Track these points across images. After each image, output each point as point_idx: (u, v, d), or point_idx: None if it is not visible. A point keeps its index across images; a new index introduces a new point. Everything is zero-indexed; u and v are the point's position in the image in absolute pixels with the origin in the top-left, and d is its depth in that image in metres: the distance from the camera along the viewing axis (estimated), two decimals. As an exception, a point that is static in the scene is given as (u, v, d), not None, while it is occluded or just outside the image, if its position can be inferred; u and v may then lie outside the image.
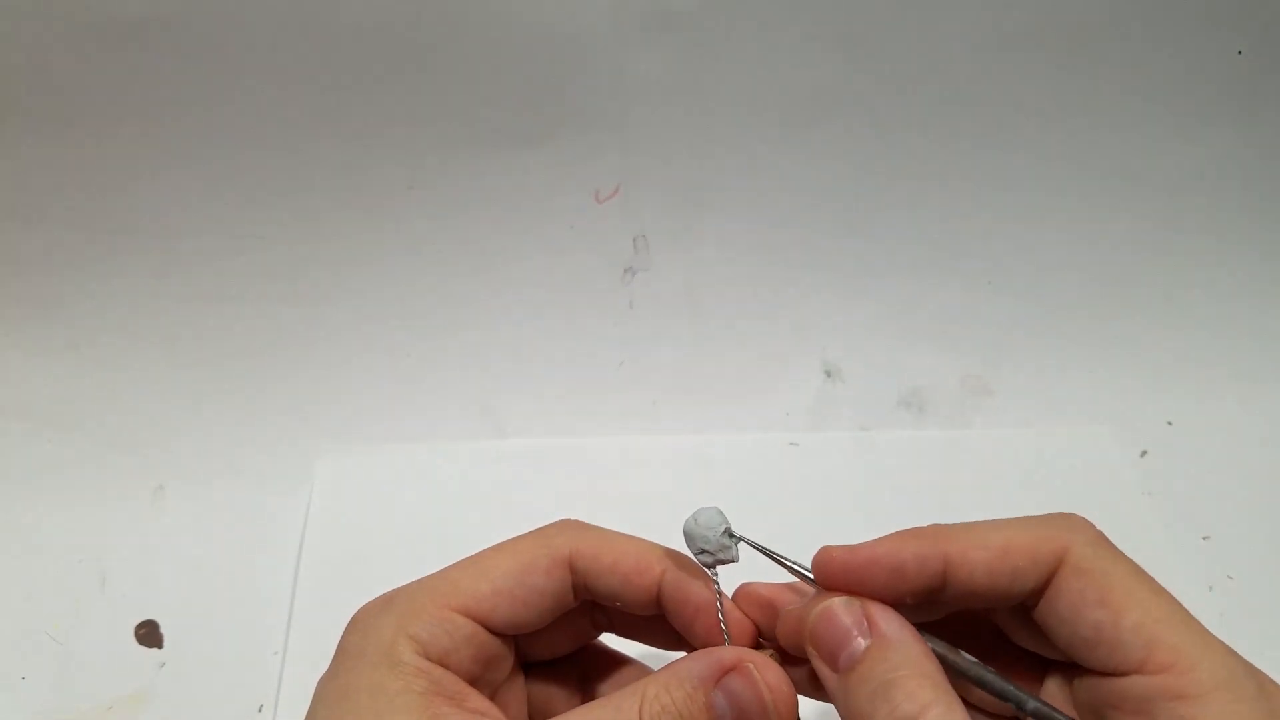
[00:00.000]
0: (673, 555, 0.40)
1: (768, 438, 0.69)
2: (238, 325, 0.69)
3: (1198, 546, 0.63)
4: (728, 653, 0.36)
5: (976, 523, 0.38)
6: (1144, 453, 0.70)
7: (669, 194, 0.69)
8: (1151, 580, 0.36)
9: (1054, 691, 0.39)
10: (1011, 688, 0.36)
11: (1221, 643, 0.34)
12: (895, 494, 0.66)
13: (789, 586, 0.40)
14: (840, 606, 0.36)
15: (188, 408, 0.68)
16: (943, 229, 0.71)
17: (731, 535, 0.38)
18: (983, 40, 0.65)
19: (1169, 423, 0.71)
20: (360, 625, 0.38)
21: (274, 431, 0.68)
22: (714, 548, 0.38)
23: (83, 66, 0.61)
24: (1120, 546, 0.37)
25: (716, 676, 0.35)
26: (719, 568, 0.39)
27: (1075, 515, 0.38)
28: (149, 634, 0.59)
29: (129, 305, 0.68)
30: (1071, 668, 0.37)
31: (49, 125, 0.62)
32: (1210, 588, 0.61)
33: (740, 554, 0.39)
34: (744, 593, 0.40)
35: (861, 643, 0.35)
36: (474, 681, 0.38)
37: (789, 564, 0.38)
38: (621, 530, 0.41)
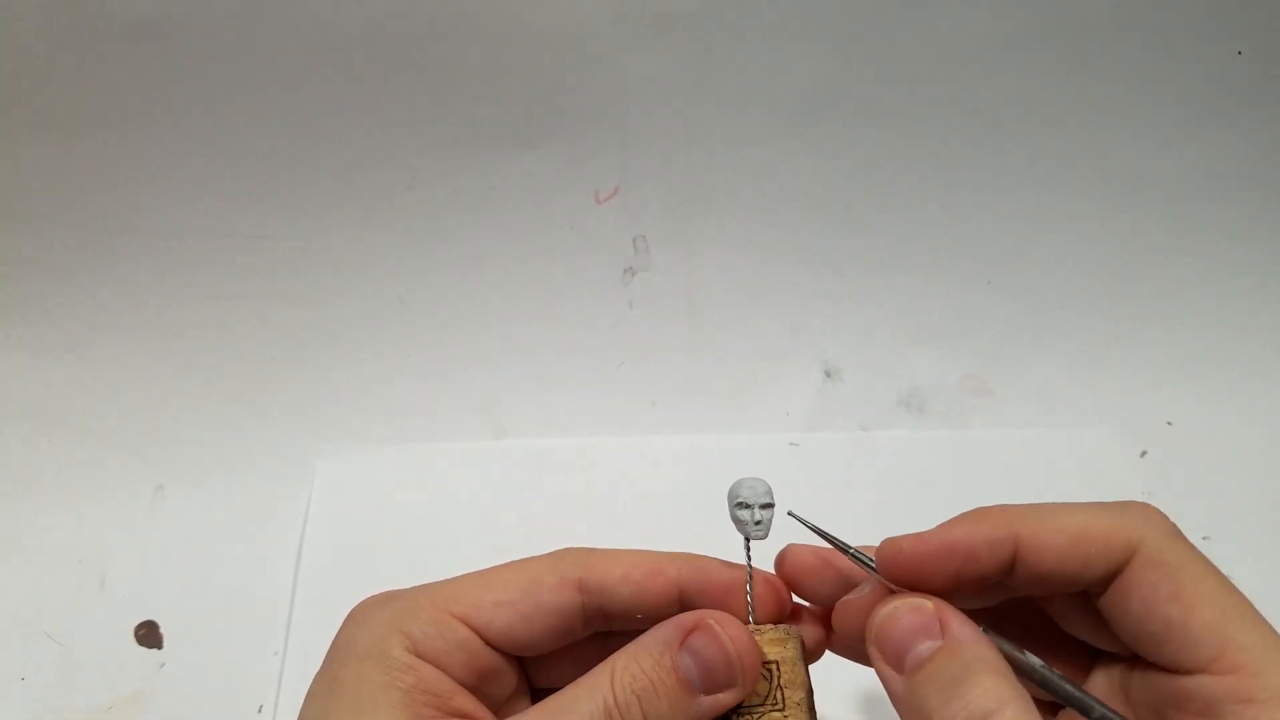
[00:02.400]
0: (682, 555, 0.40)
1: (768, 438, 0.69)
2: (238, 325, 0.69)
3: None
4: (688, 616, 0.36)
5: (1046, 505, 0.37)
6: (1144, 453, 0.70)
7: (669, 194, 0.69)
8: (1224, 578, 0.35)
9: (1104, 683, 0.38)
10: (1079, 692, 0.35)
11: None
12: (895, 494, 0.66)
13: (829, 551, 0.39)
14: (908, 609, 0.35)
15: (188, 408, 0.68)
16: (942, 229, 0.71)
17: (789, 514, 0.39)
18: (983, 40, 0.65)
19: (1169, 423, 0.71)
20: (357, 619, 0.38)
21: (274, 431, 0.68)
22: (755, 507, 0.39)
23: (83, 66, 0.61)
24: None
25: (681, 639, 0.36)
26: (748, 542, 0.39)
27: (1149, 505, 0.37)
28: (149, 634, 0.59)
29: (129, 305, 0.68)
30: (1126, 660, 0.37)
31: (49, 125, 0.62)
32: (1210, 588, 0.61)
33: (769, 533, 0.39)
34: (787, 554, 0.40)
35: (929, 644, 0.34)
36: (468, 690, 0.37)
37: (850, 550, 0.38)
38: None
